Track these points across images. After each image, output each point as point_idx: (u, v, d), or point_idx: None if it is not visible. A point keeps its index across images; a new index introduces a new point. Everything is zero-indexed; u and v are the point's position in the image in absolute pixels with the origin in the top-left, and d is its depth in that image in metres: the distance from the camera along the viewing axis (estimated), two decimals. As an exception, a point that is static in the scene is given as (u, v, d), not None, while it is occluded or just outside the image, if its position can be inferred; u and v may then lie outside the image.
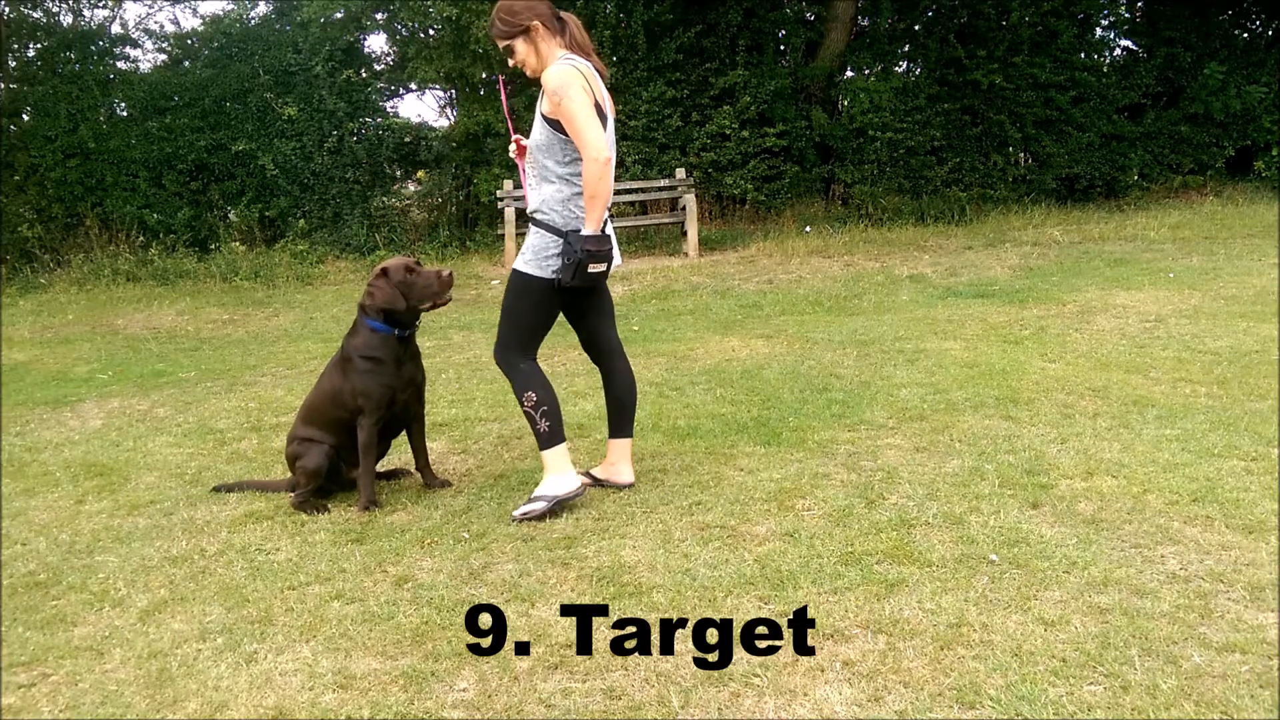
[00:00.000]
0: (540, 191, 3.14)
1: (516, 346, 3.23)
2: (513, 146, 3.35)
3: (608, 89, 3.21)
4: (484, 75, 11.62)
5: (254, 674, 2.33)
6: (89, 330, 8.00)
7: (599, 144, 2.96)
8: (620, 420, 3.43)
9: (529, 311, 3.19)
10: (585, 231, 3.05)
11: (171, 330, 7.95)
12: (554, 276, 3.10)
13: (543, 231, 3.12)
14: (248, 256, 10.62)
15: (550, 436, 3.20)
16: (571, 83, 2.97)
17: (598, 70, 3.14)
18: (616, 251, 3.26)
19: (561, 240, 3.08)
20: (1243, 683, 2.06)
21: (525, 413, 3.20)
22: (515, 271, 3.18)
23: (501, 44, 3.15)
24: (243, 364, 6.39)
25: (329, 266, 10.77)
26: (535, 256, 3.13)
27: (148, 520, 3.43)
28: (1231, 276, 7.20)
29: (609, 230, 3.21)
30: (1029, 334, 5.70)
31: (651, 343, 6.19)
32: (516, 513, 3.20)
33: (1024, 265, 8.52)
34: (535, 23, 3.07)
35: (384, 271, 3.38)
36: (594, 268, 3.05)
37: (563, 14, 3.16)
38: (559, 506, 3.19)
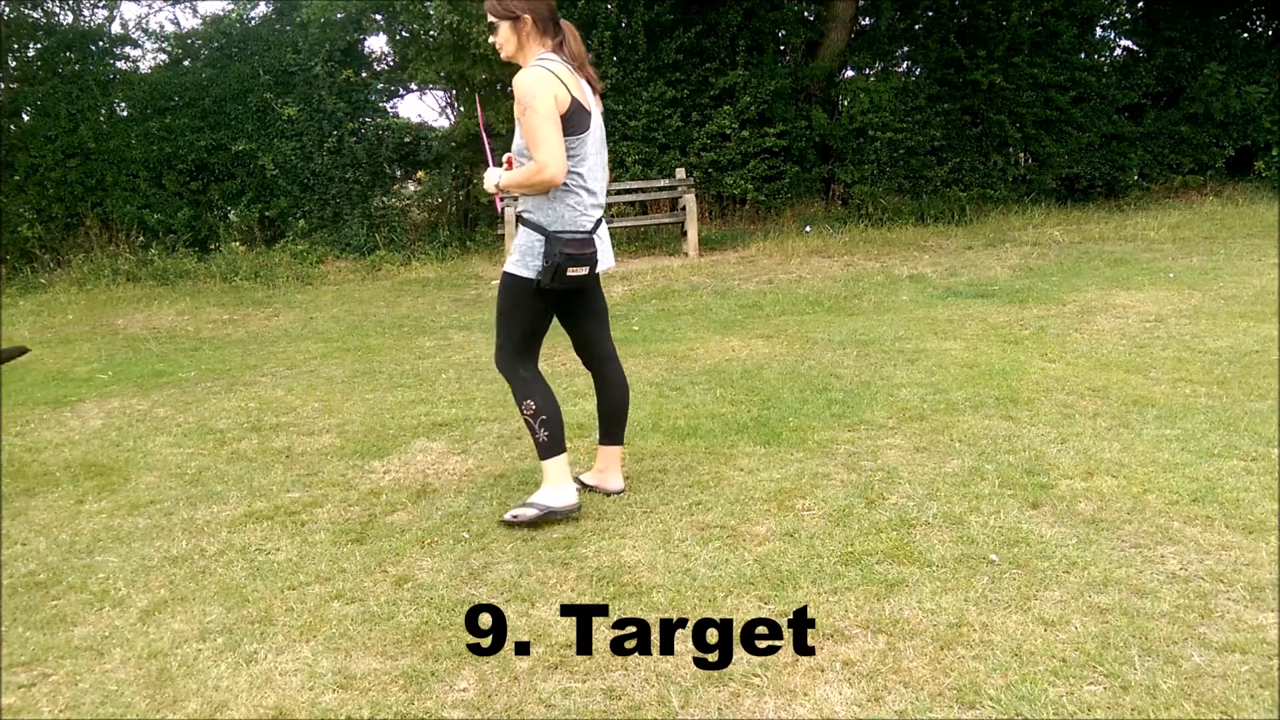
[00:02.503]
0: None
1: (513, 350, 3.21)
2: (494, 174, 3.21)
3: (598, 96, 3.16)
4: (484, 76, 11.63)
5: (254, 674, 2.33)
6: (89, 330, 8.00)
7: (553, 160, 2.90)
8: (611, 426, 3.39)
9: (519, 312, 3.17)
10: (493, 178, 3.07)
11: (171, 330, 7.95)
12: (537, 276, 3.07)
13: (528, 230, 3.11)
14: (248, 256, 10.62)
15: (549, 446, 3.17)
16: (535, 92, 2.91)
17: (589, 81, 3.11)
18: (608, 253, 3.23)
19: (544, 239, 3.06)
20: (1243, 683, 2.06)
21: (525, 421, 3.17)
22: (504, 272, 3.17)
23: (490, 19, 3.13)
24: (243, 364, 6.39)
25: (329, 266, 10.78)
26: (521, 256, 3.11)
27: (148, 520, 3.43)
28: (1231, 276, 7.19)
29: (602, 232, 3.19)
30: (1029, 334, 5.70)
31: (651, 343, 6.19)
32: (508, 515, 3.19)
33: (1024, 265, 8.52)
34: (526, 16, 3.06)
35: None
36: (573, 271, 3.02)
37: (563, 22, 3.13)
38: (551, 516, 3.15)
